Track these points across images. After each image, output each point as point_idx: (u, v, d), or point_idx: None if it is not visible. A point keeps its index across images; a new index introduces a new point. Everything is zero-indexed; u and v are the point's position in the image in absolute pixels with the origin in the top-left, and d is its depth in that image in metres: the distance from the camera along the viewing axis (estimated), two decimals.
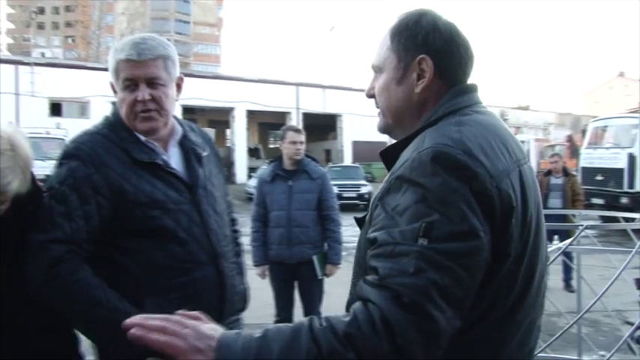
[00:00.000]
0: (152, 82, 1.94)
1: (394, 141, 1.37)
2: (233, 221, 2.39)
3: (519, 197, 1.18)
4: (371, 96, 1.43)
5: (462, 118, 1.24)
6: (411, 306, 1.03)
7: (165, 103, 1.97)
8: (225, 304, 2.07)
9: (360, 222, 1.36)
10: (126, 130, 1.97)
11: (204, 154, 2.14)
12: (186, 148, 2.10)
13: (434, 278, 1.04)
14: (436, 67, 1.30)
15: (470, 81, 1.36)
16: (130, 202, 1.87)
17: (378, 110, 1.42)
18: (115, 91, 2.00)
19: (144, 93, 1.92)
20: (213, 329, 1.09)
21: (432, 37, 1.30)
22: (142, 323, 1.08)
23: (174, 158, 2.06)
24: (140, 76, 1.92)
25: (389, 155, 1.31)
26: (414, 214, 1.09)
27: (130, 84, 1.93)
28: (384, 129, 1.43)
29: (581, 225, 3.78)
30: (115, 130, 1.97)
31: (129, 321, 1.08)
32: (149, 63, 1.92)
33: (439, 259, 1.05)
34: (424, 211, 1.08)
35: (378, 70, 1.40)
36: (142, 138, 1.99)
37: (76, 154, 1.88)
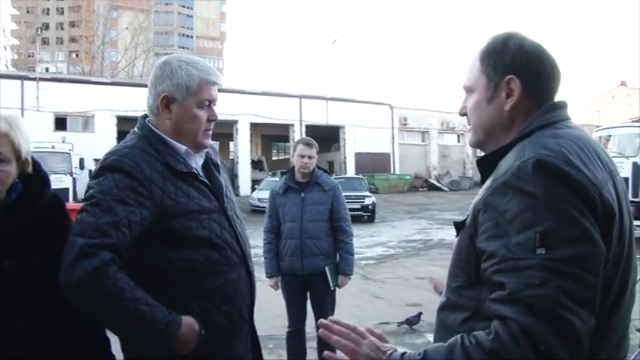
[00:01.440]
0: (215, 105, 2.16)
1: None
2: None
3: (616, 205, 1.25)
4: (463, 114, 1.53)
5: (557, 131, 1.32)
6: (545, 314, 1.10)
7: None
8: (254, 299, 2.25)
9: (458, 226, 1.43)
10: (162, 143, 2.07)
11: (218, 161, 2.31)
12: (207, 159, 2.25)
13: (560, 285, 1.11)
14: (524, 86, 1.39)
15: (558, 97, 1.44)
16: (170, 215, 1.97)
17: (469, 127, 1.52)
18: (166, 106, 2.07)
19: (215, 114, 2.16)
20: (386, 347, 1.31)
21: (519, 59, 1.40)
22: (331, 327, 1.35)
23: (200, 169, 2.19)
24: (215, 99, 2.14)
25: (485, 163, 1.40)
26: (525, 223, 1.16)
27: (207, 105, 2.12)
28: (475, 144, 1.53)
29: None
30: (150, 143, 2.05)
31: (322, 321, 1.37)
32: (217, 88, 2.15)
33: (560, 267, 1.12)
34: (535, 219, 1.16)
35: (469, 90, 1.50)
36: (182, 149, 2.09)
37: (119, 167, 1.93)
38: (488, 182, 1.33)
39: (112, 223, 1.83)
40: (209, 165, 2.24)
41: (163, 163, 2.02)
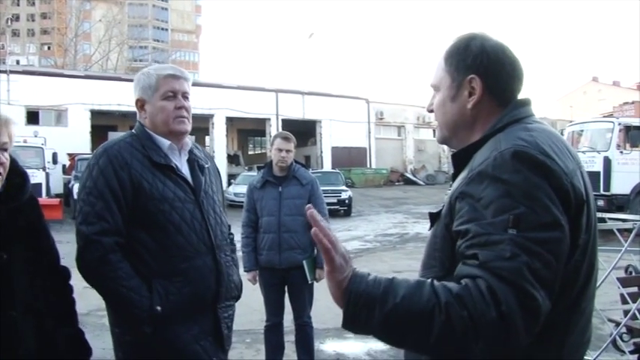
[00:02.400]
0: (185, 96, 2.45)
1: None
2: (228, 227, 2.72)
3: (585, 194, 1.31)
4: (431, 111, 1.59)
5: (528, 125, 1.39)
6: (511, 284, 1.14)
7: (190, 113, 2.49)
8: (221, 288, 2.44)
9: (433, 217, 1.47)
10: (149, 140, 2.41)
11: (207, 165, 2.58)
12: (192, 159, 2.53)
13: (527, 261, 1.16)
14: (485, 85, 1.45)
15: (521, 96, 1.50)
16: (146, 196, 2.28)
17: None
18: (141, 107, 2.46)
19: (183, 102, 2.43)
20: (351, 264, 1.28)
21: (480, 59, 1.45)
22: (323, 230, 1.26)
23: (184, 166, 2.49)
24: (179, 89, 2.43)
25: (460, 157, 1.46)
26: (500, 207, 1.22)
27: (171, 95, 2.41)
28: (441, 140, 1.60)
29: None
30: (138, 139, 2.41)
31: (316, 230, 1.27)
32: (184, 81, 2.46)
33: (529, 245, 1.17)
34: (510, 204, 1.21)
35: (435, 88, 1.56)
36: (166, 144, 2.42)
37: (104, 156, 2.31)
38: (463, 173, 1.38)
39: (106, 207, 2.22)
40: (194, 165, 2.51)
41: (145, 156, 2.34)
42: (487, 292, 1.14)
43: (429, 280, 1.22)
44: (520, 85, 1.50)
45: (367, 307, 1.20)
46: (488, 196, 1.24)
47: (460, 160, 1.45)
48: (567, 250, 1.23)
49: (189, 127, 2.47)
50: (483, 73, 1.45)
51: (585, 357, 4.22)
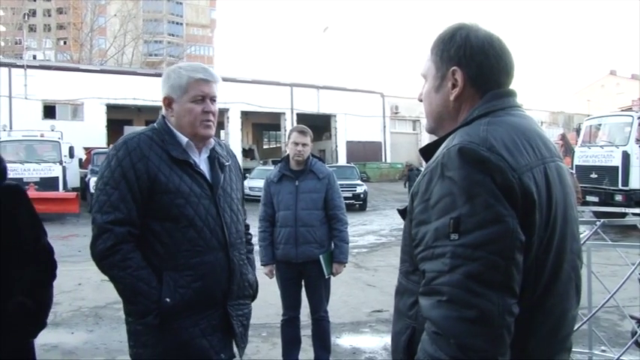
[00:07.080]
0: (213, 100, 2.46)
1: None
2: (247, 227, 2.76)
3: (543, 191, 1.29)
4: (420, 101, 1.59)
5: (493, 119, 1.36)
6: (451, 302, 1.16)
7: (216, 117, 2.50)
8: (232, 286, 2.47)
9: (402, 213, 1.48)
10: (169, 135, 2.43)
11: (227, 163, 2.59)
12: (213, 157, 2.54)
13: (467, 270, 1.17)
14: (467, 77, 1.43)
15: (508, 86, 1.47)
16: (162, 189, 2.30)
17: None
18: (168, 105, 2.46)
19: (211, 106, 2.45)
20: None
21: (463, 50, 1.44)
22: None
23: (203, 162, 2.50)
24: (208, 93, 2.44)
25: (428, 152, 1.43)
26: (442, 208, 1.24)
27: (200, 99, 2.42)
28: (429, 130, 1.59)
29: (598, 221, 3.82)
30: (158, 134, 2.42)
31: None
32: (213, 85, 2.47)
33: (469, 252, 1.18)
34: (451, 204, 1.22)
35: (424, 78, 1.55)
36: (184, 141, 2.43)
37: (123, 147, 2.34)
38: (423, 170, 1.38)
39: (121, 198, 2.26)
40: (214, 162, 2.52)
41: (164, 150, 2.36)
42: (434, 336, 1.20)
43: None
44: (508, 78, 1.47)
45: None
46: (435, 195, 1.26)
47: (428, 155, 1.42)
48: (520, 241, 1.21)
49: (213, 131, 2.48)
50: (465, 65, 1.43)
51: (608, 354, 4.17)
